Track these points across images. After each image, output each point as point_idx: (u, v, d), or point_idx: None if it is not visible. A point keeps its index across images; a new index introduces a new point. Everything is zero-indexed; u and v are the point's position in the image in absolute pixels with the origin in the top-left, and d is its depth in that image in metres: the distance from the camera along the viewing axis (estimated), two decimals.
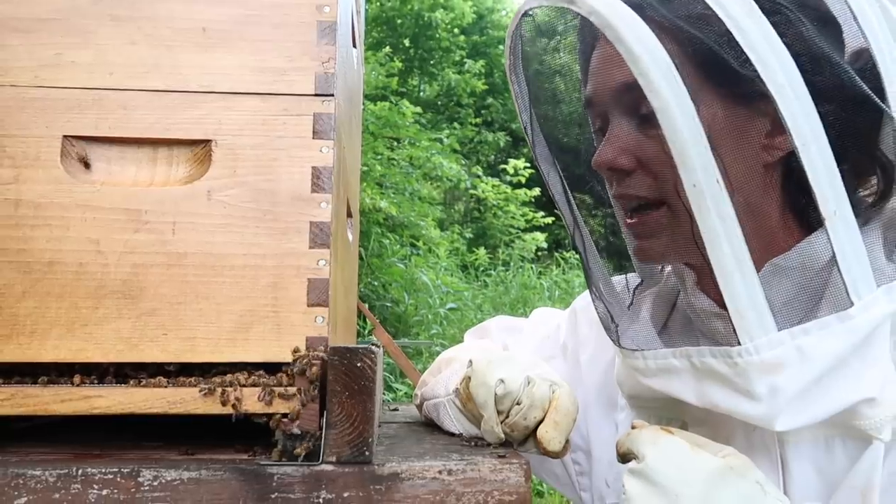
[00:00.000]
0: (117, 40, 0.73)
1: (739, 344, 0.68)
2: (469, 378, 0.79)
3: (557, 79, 0.86)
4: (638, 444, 0.69)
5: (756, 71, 0.66)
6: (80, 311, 0.67)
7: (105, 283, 0.68)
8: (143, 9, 0.74)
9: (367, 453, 0.62)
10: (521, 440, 0.76)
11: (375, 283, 5.84)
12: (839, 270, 0.68)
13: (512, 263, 7.92)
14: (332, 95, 0.73)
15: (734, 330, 0.68)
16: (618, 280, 0.91)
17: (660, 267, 0.90)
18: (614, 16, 0.68)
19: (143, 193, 0.70)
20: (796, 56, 0.67)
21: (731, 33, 0.67)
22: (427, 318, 5.78)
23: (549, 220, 8.82)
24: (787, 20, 0.69)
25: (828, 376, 0.67)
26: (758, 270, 0.68)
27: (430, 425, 0.91)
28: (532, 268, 7.71)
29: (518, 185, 9.23)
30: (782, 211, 0.76)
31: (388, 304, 5.77)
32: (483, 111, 10.81)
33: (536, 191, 8.86)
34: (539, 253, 8.82)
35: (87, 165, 0.70)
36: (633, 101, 0.72)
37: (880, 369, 0.68)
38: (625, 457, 0.70)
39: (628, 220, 0.80)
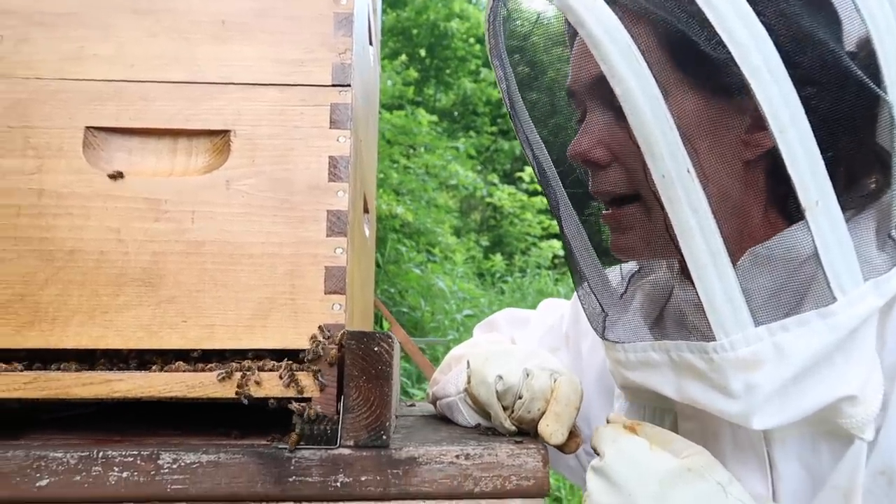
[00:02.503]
0: (138, 33, 0.74)
1: (715, 339, 0.65)
2: (469, 378, 0.78)
3: (533, 64, 0.83)
4: (600, 441, 0.68)
5: (729, 52, 0.61)
6: (101, 299, 0.68)
7: (125, 271, 0.69)
8: (163, 2, 0.75)
9: (384, 437, 0.62)
10: (534, 432, 0.75)
11: (392, 290, 5.84)
12: (821, 264, 0.64)
13: (529, 270, 7.90)
14: (349, 86, 0.74)
15: (709, 325, 0.65)
16: (612, 270, 0.87)
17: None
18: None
19: (162, 183, 0.71)
20: (776, 36, 0.62)
21: (702, 12, 0.62)
22: (444, 324, 5.78)
23: None
24: None
25: (807, 374, 0.63)
26: (736, 261, 0.65)
27: (447, 419, 0.91)
28: (549, 274, 7.68)
29: (534, 193, 9.20)
30: (765, 207, 0.72)
31: (405, 310, 5.77)
32: (499, 119, 10.82)
33: None
34: (556, 260, 8.78)
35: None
36: (608, 92, 0.67)
37: (864, 366, 0.64)
38: (595, 451, 0.70)
39: (603, 213, 0.78)
